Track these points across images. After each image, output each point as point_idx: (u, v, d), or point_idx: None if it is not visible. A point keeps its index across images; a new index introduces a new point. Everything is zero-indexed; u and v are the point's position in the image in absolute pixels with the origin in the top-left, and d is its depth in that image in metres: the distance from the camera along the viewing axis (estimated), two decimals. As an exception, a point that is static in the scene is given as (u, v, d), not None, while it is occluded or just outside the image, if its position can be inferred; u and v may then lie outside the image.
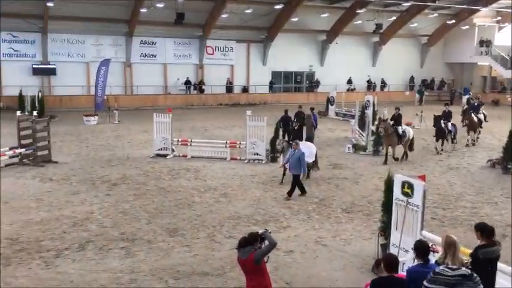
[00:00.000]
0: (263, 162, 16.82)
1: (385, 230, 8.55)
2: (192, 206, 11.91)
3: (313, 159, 14.47)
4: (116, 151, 18.64)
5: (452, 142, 19.25)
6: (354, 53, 40.78)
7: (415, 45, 44.15)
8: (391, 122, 17.34)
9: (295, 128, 16.27)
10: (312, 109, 20.86)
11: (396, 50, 41.95)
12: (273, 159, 16.81)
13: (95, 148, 19.23)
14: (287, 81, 41.18)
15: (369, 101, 22.34)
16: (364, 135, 20.23)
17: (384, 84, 42.72)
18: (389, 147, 16.90)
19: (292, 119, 19.67)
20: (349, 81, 41.07)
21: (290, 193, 12.59)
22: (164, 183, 14.06)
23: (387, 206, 8.50)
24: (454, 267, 2.53)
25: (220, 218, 11.03)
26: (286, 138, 19.20)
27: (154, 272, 8.28)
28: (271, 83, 39.25)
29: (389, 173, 8.83)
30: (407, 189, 7.72)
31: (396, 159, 16.98)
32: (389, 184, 8.46)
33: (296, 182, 12.67)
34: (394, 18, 39.05)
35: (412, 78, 44.02)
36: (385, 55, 41.87)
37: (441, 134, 18.50)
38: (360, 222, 10.87)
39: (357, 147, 19.09)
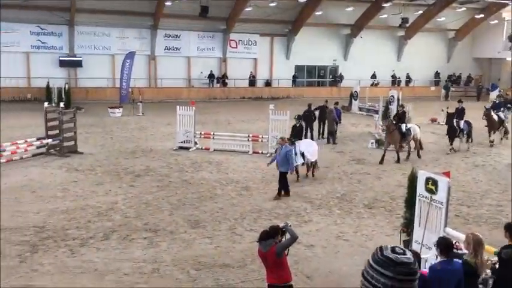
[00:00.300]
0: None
1: (408, 226, 8.48)
2: (214, 199, 12.01)
3: (316, 158, 14.01)
4: (140, 143, 18.88)
5: (467, 141, 18.26)
6: (378, 47, 40.18)
7: (442, 40, 43.30)
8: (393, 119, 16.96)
9: (297, 125, 15.70)
10: (336, 104, 20.76)
11: (422, 45, 41.19)
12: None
13: (119, 140, 19.50)
14: (310, 75, 40.93)
15: (393, 96, 22.14)
16: (387, 130, 20.02)
17: (409, 79, 42.04)
18: (391, 145, 16.27)
19: (315, 114, 19.64)
20: (373, 76, 40.57)
21: (279, 193, 12.11)
22: (187, 175, 14.19)
23: (410, 202, 8.42)
24: (400, 251, 2.35)
25: (242, 211, 11.09)
26: (309, 133, 19.20)
27: (176, 262, 8.40)
28: (294, 77, 39.05)
29: (413, 169, 8.77)
30: (431, 185, 7.62)
31: (397, 161, 16.16)
32: (412, 180, 8.39)
33: (283, 180, 12.16)
34: (421, 12, 38.36)
35: (437, 74, 43.26)
36: (411, 50, 41.17)
37: (452, 132, 17.84)
38: (382, 218, 10.79)
39: (380, 143, 18.87)
